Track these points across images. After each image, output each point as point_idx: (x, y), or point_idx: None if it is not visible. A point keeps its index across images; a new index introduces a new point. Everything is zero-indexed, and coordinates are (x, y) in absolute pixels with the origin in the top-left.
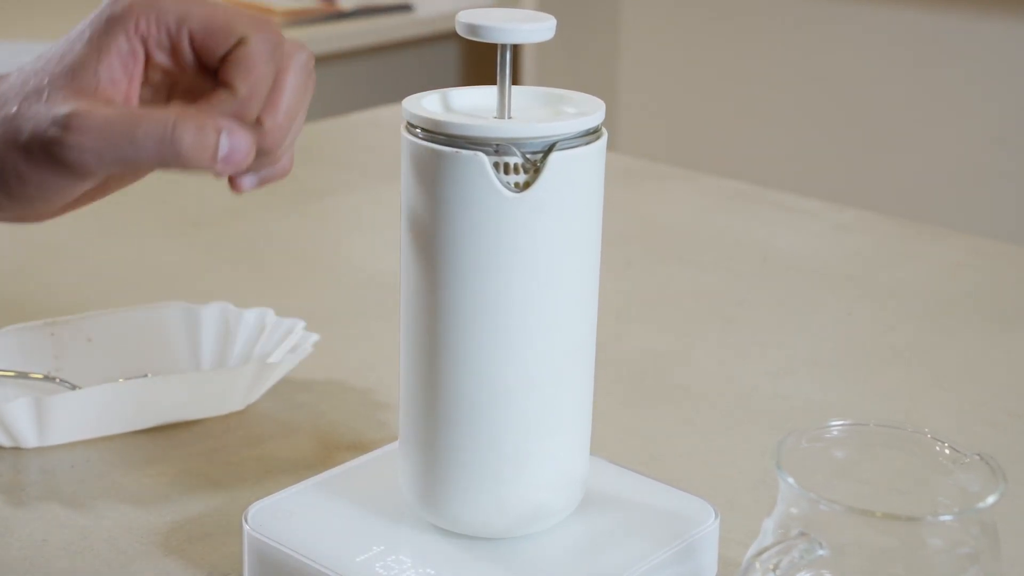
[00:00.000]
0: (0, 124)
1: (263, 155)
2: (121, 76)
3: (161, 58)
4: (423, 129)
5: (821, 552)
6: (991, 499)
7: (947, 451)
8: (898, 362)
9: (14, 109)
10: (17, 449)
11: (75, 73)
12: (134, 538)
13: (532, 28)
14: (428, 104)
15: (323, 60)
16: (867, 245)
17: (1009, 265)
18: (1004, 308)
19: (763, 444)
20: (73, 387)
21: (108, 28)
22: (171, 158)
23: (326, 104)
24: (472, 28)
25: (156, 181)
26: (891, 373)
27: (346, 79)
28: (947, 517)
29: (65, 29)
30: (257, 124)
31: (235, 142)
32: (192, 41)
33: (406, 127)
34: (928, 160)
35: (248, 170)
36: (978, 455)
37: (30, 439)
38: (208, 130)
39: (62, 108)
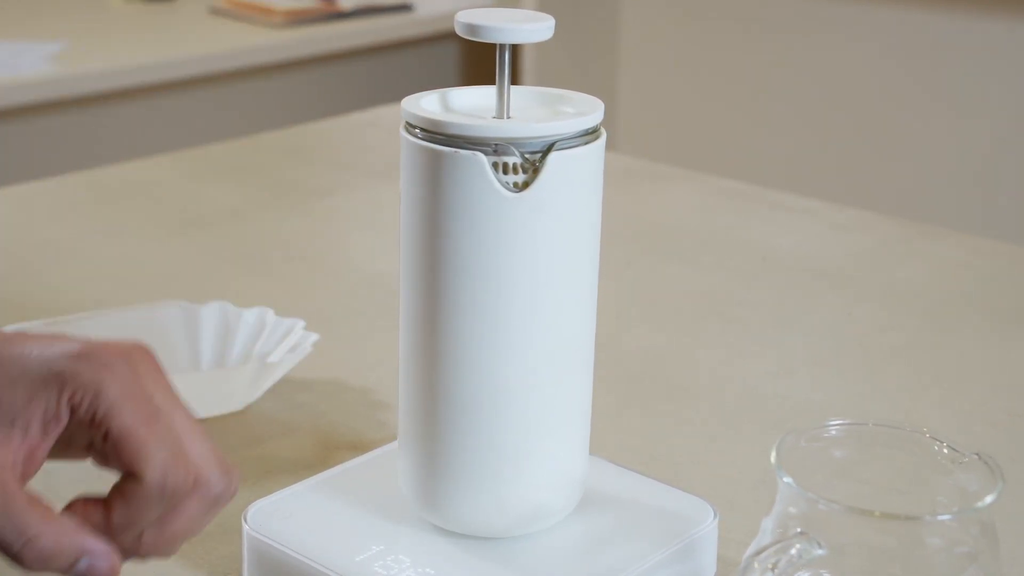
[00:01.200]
0: None
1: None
2: (37, 431)
3: (78, 431)
4: (422, 129)
5: (819, 551)
6: (989, 498)
7: (946, 451)
8: (897, 362)
9: None
10: None
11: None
12: None
13: (531, 28)
14: (427, 104)
15: (323, 60)
16: (867, 245)
17: (1009, 265)
18: (1004, 308)
19: (762, 444)
20: None
21: (48, 382)
22: (15, 563)
23: (326, 104)
24: (471, 28)
25: (154, 181)
26: (891, 373)
27: (346, 79)
28: (946, 516)
29: (65, 28)
30: (137, 537)
31: (97, 566)
32: (105, 438)
33: (405, 127)
34: (928, 160)
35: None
36: (976, 455)
37: None
38: (63, 555)
39: None
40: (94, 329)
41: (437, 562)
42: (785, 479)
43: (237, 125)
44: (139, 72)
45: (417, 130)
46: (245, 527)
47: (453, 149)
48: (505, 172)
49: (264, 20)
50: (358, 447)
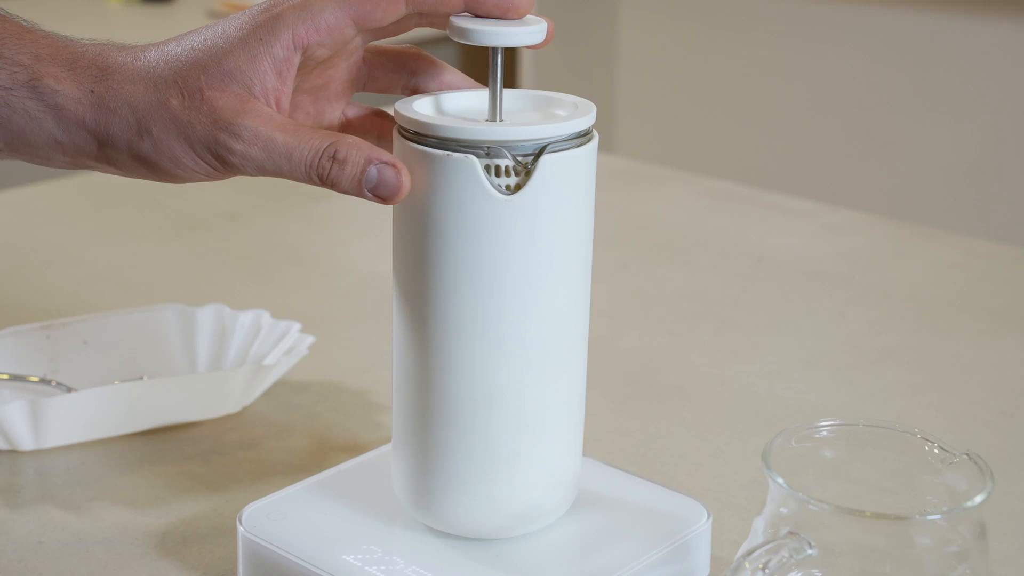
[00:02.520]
0: (155, 109)
1: None
2: (274, 82)
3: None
4: (415, 132)
5: (810, 551)
6: (979, 498)
7: (936, 450)
8: (891, 362)
9: (171, 99)
10: (13, 451)
11: (231, 77)
12: (129, 540)
13: (522, 31)
14: (420, 107)
15: None
16: (860, 246)
17: (1001, 266)
18: (996, 308)
19: (756, 444)
20: (69, 389)
21: (262, 35)
22: (319, 183)
23: None
24: (462, 31)
25: (152, 184)
26: (884, 373)
27: None
28: (935, 516)
29: (63, 30)
30: None
31: (384, 177)
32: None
33: (398, 130)
34: (921, 161)
35: None
36: (966, 454)
37: (26, 441)
38: (356, 163)
39: (231, 117)
40: (90, 332)
41: (431, 563)
42: (776, 479)
43: None
44: None
45: (410, 133)
46: (240, 528)
47: (445, 152)
48: (497, 175)
49: None
50: (353, 449)
